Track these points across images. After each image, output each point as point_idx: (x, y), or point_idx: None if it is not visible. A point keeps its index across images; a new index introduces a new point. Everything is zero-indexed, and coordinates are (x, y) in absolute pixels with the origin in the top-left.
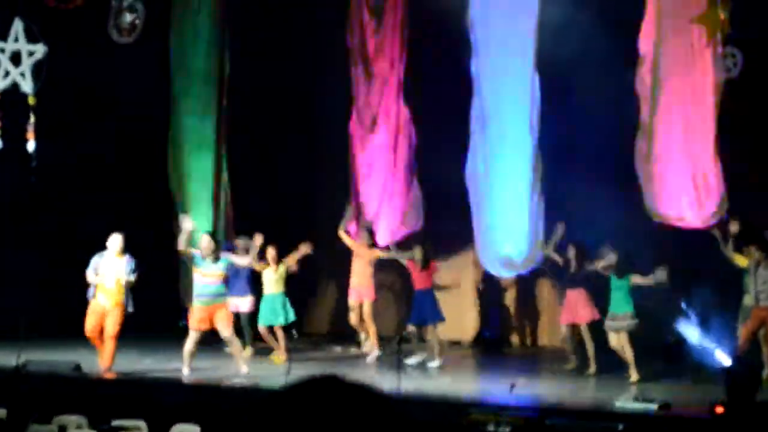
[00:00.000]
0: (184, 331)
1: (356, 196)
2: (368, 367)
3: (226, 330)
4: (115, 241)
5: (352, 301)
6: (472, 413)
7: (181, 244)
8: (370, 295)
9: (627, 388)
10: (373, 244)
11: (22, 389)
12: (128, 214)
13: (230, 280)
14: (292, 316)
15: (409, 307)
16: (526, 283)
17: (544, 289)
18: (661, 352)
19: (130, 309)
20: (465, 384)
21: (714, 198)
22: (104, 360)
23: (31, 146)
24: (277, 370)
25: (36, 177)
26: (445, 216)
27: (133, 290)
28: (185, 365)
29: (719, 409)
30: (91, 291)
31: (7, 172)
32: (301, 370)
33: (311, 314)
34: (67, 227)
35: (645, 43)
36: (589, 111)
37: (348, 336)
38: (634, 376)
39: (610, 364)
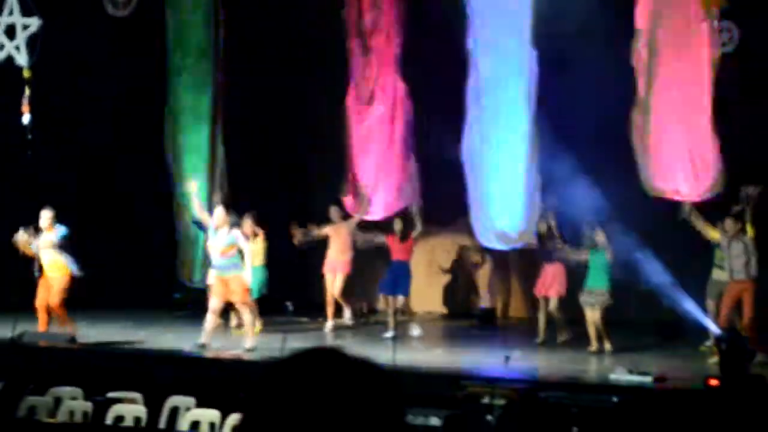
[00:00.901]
0: (179, 304)
1: (353, 170)
2: (361, 342)
3: (238, 301)
4: (44, 217)
5: (327, 275)
6: (467, 386)
7: (197, 209)
8: (344, 270)
9: (622, 360)
10: (345, 218)
11: (18, 361)
12: (125, 188)
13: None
14: (262, 290)
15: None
16: (521, 257)
17: (538, 263)
18: (657, 329)
19: (77, 273)
20: (459, 357)
21: (710, 171)
22: (42, 326)
23: (26, 119)
24: (272, 344)
25: (31, 151)
26: (441, 190)
27: (77, 256)
28: (204, 336)
29: (713, 382)
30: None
31: (1, 146)
32: (296, 343)
33: (307, 288)
34: (63, 201)
35: (641, 18)
36: (586, 85)
37: (339, 309)
38: (608, 346)
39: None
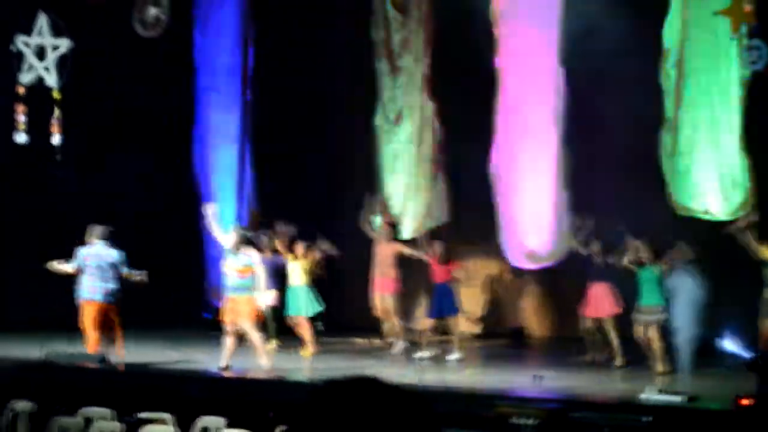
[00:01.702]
0: (208, 324)
1: (381, 189)
2: (393, 360)
3: (246, 323)
4: (96, 231)
5: (375, 294)
6: (497, 406)
7: (215, 231)
8: (391, 289)
9: (652, 380)
10: (395, 239)
11: (48, 381)
12: (154, 207)
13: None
14: (318, 308)
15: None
16: (550, 276)
17: (568, 282)
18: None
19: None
20: (489, 376)
21: (740, 191)
22: (121, 350)
23: (56, 140)
24: (302, 363)
25: (61, 171)
26: (470, 209)
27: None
28: (222, 359)
29: (744, 402)
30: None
31: (32, 166)
32: (326, 363)
33: (336, 306)
34: (91, 219)
35: (669, 37)
36: (614, 104)
37: (373, 328)
38: (660, 368)
39: (636, 356)
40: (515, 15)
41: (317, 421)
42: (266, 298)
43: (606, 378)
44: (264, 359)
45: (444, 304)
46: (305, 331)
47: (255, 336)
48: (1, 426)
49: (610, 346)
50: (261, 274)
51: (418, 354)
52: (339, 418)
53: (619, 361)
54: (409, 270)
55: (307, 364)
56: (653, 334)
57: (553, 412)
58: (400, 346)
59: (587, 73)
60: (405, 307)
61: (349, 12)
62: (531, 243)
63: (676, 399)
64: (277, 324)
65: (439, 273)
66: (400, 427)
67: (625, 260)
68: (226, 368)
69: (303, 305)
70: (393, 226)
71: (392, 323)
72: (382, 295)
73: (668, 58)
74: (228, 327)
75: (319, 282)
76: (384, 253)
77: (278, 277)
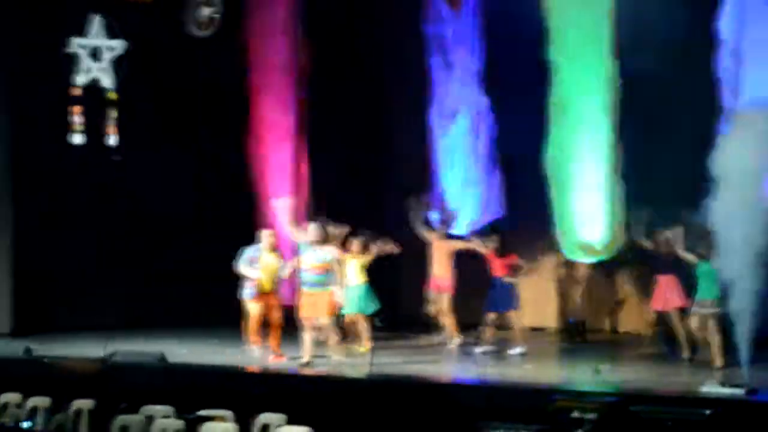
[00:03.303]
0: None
1: (437, 185)
2: (450, 355)
3: (325, 318)
4: (266, 236)
5: (432, 292)
6: (557, 400)
7: (288, 225)
8: (448, 288)
9: (713, 373)
10: (450, 236)
11: (110, 380)
12: (209, 206)
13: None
14: (375, 306)
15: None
16: (607, 268)
17: (626, 274)
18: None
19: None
20: (549, 370)
21: None
22: (275, 348)
23: (112, 141)
24: (361, 359)
25: (117, 171)
26: (525, 203)
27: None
28: (305, 354)
29: None
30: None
31: (88, 167)
32: (384, 359)
33: (394, 303)
34: (146, 220)
35: (725, 28)
36: (669, 95)
37: (431, 325)
38: (718, 361)
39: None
40: (568, 7)
41: None
42: (343, 293)
43: (667, 371)
44: (338, 355)
45: (502, 299)
46: (362, 328)
47: (332, 332)
48: (64, 424)
49: (675, 338)
50: (339, 269)
51: (479, 349)
52: None
53: (685, 353)
54: (468, 265)
55: (365, 360)
56: (711, 327)
57: (613, 405)
58: (456, 341)
59: (641, 64)
60: (465, 301)
61: (402, 7)
62: (586, 235)
63: (738, 392)
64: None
65: (497, 267)
66: None
67: (682, 252)
68: (308, 364)
69: (361, 303)
70: (446, 224)
71: (449, 320)
72: (439, 294)
73: (724, 48)
74: (306, 323)
75: (377, 277)
76: (439, 252)
77: None
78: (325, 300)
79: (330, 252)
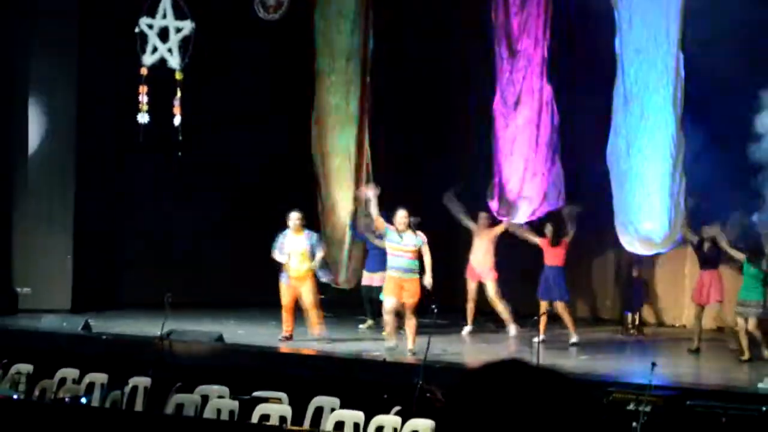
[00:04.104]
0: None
1: (499, 173)
2: (506, 343)
3: (409, 305)
4: (294, 218)
5: (470, 280)
6: (613, 392)
7: (373, 211)
8: (491, 276)
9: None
10: (491, 226)
11: (167, 358)
12: (271, 190)
13: (368, 255)
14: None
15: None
16: (668, 262)
17: (686, 269)
18: None
19: (324, 279)
20: (606, 362)
21: None
22: (313, 329)
23: (177, 121)
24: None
25: (182, 151)
26: (586, 194)
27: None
28: (390, 338)
29: None
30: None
31: (154, 146)
32: (440, 346)
33: (449, 290)
34: (213, 202)
35: None
36: (735, 92)
37: (487, 313)
38: (767, 353)
39: (753, 347)
40: None
41: (470, 404)
42: (377, 279)
43: (724, 366)
44: (412, 344)
45: (553, 289)
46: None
47: (413, 319)
48: (120, 400)
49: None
50: (428, 253)
51: (535, 339)
52: (495, 401)
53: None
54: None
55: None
56: (752, 325)
57: (669, 399)
58: (513, 329)
59: (708, 58)
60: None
61: None
62: (646, 229)
63: None
64: (372, 306)
65: (549, 256)
66: (557, 412)
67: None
68: (395, 347)
69: None
70: (490, 215)
71: (500, 308)
72: (485, 283)
73: None
74: (388, 305)
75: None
76: (484, 241)
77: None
78: (413, 286)
79: (421, 237)
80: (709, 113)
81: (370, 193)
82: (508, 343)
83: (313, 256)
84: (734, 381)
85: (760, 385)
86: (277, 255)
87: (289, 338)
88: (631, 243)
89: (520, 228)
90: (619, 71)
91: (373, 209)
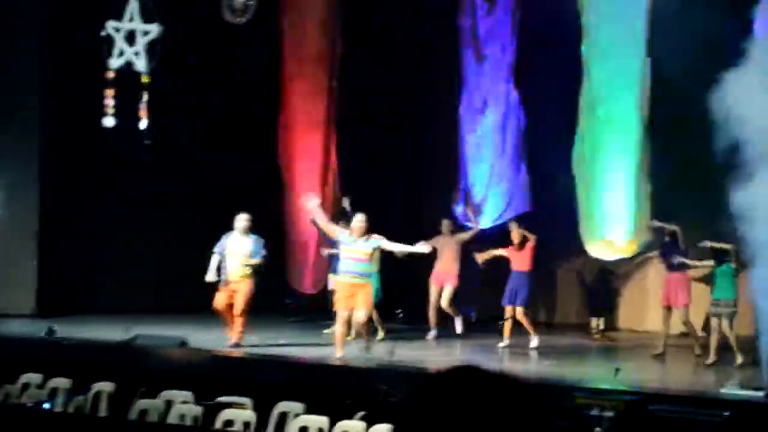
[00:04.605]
0: (289, 310)
1: (464, 178)
2: (470, 349)
3: (362, 311)
4: (241, 220)
5: (433, 285)
6: (576, 397)
7: (320, 221)
8: (453, 282)
9: (733, 374)
10: (454, 232)
11: (130, 364)
12: (238, 193)
13: (334, 258)
14: (378, 296)
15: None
16: (632, 267)
17: (650, 273)
18: None
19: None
20: (570, 368)
21: None
22: (233, 335)
23: (143, 124)
24: (381, 350)
25: (148, 156)
26: (552, 199)
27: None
28: (338, 348)
29: None
30: (215, 270)
31: (119, 150)
32: (404, 351)
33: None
34: (178, 206)
35: (761, 25)
36: (701, 94)
37: (446, 318)
38: (739, 359)
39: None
40: (603, 3)
41: (425, 412)
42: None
43: (687, 371)
44: (370, 347)
45: (518, 293)
46: (375, 318)
47: (365, 325)
48: (84, 406)
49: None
50: (393, 244)
51: (501, 344)
52: (449, 408)
53: (696, 350)
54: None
55: (382, 351)
56: (726, 326)
57: (631, 404)
58: (459, 324)
59: (674, 63)
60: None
61: (436, 0)
62: (610, 234)
63: (757, 394)
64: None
65: (515, 260)
66: (509, 417)
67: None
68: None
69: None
70: (453, 221)
71: (450, 312)
72: (445, 288)
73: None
74: (342, 312)
75: (400, 271)
76: (448, 247)
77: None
78: (367, 291)
79: (375, 239)
80: (676, 118)
81: (311, 203)
82: (472, 349)
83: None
84: (698, 386)
85: (722, 389)
86: (216, 255)
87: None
88: (597, 247)
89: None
90: (586, 76)
91: (319, 218)
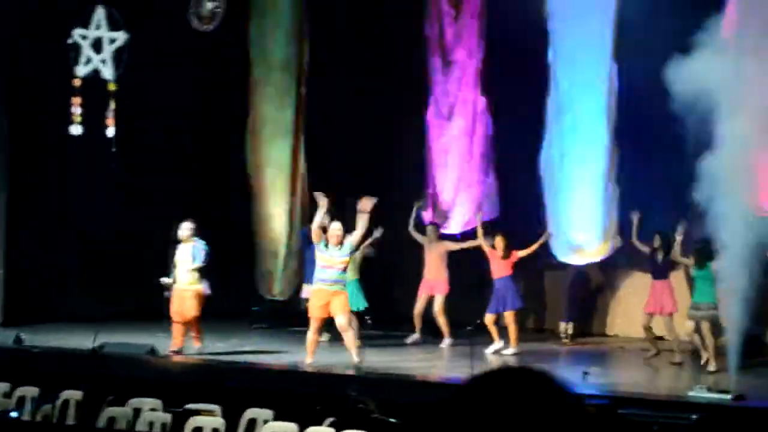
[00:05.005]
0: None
1: (432, 185)
2: (441, 355)
3: (340, 317)
4: (182, 228)
5: (422, 292)
6: None
7: (317, 222)
8: (442, 290)
9: (702, 378)
10: (441, 237)
11: (98, 371)
12: (206, 200)
13: (308, 267)
14: (363, 303)
15: (484, 297)
16: (599, 272)
17: (618, 278)
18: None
19: (207, 292)
20: None
21: None
22: (175, 341)
23: (110, 132)
24: (348, 357)
25: (115, 163)
26: (520, 205)
27: (207, 274)
28: (308, 354)
29: None
30: (171, 277)
31: (87, 158)
32: (374, 357)
33: (386, 302)
34: (146, 214)
35: (727, 28)
36: (668, 98)
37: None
38: (712, 366)
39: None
40: (569, 10)
41: (471, 413)
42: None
43: (657, 375)
44: (356, 356)
45: (505, 298)
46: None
47: (349, 331)
48: (52, 414)
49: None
50: (357, 230)
51: (488, 349)
52: (488, 410)
53: (677, 358)
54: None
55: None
56: (706, 330)
57: (600, 408)
58: (447, 342)
59: (641, 69)
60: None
61: (402, 6)
62: (579, 238)
63: (725, 397)
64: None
65: (498, 268)
66: (555, 418)
67: (676, 250)
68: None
69: (352, 299)
70: (437, 226)
71: (442, 321)
72: (434, 296)
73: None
74: (316, 321)
75: (368, 276)
76: (434, 254)
77: None
78: (341, 298)
79: (348, 242)
80: (642, 122)
81: (322, 200)
82: (446, 354)
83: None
84: (667, 389)
85: (690, 393)
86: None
87: (180, 351)
88: (565, 252)
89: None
90: (552, 82)
91: (317, 218)
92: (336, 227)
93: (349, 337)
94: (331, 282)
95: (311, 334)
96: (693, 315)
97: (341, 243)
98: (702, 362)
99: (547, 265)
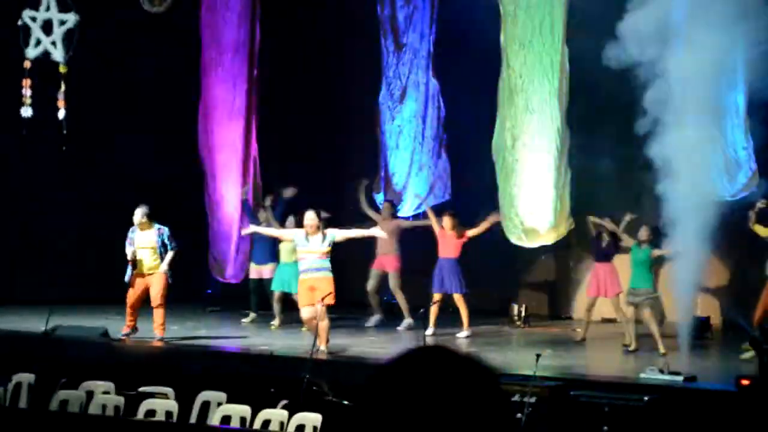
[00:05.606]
0: (209, 299)
1: (385, 167)
2: (398, 336)
3: (323, 308)
4: (137, 214)
5: (374, 270)
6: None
7: (272, 232)
8: (393, 266)
9: (653, 360)
10: (395, 215)
11: (50, 354)
12: (158, 184)
13: (255, 247)
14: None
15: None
16: (554, 254)
17: (572, 261)
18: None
19: (169, 281)
20: (491, 354)
21: (745, 171)
22: (156, 328)
23: (61, 114)
24: (302, 339)
25: (66, 145)
26: (473, 187)
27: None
28: (322, 341)
29: (745, 382)
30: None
31: (37, 141)
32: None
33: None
34: (97, 196)
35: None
36: (618, 82)
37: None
38: (661, 348)
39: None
40: None
41: (382, 395)
42: (266, 271)
43: (607, 357)
44: (324, 344)
45: (450, 280)
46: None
47: (326, 320)
48: (3, 397)
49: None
50: (348, 232)
51: (428, 331)
52: (406, 390)
53: (630, 343)
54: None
55: (305, 340)
56: (648, 316)
57: (553, 389)
58: (406, 322)
59: (592, 52)
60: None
61: None
62: (531, 221)
63: (677, 379)
64: (257, 299)
65: (446, 248)
66: (476, 402)
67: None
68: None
69: (290, 281)
70: (392, 204)
71: (400, 299)
72: (386, 273)
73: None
74: (306, 313)
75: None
76: (387, 230)
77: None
78: (326, 284)
79: (329, 235)
80: (595, 105)
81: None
82: (401, 337)
83: (164, 250)
84: (619, 371)
85: (642, 375)
86: (128, 249)
87: (134, 331)
88: (517, 235)
89: (418, 221)
90: (505, 64)
91: (269, 232)
92: (310, 217)
93: (324, 327)
94: (314, 270)
95: (308, 323)
96: (632, 301)
97: (319, 231)
98: (624, 343)
99: (499, 248)
